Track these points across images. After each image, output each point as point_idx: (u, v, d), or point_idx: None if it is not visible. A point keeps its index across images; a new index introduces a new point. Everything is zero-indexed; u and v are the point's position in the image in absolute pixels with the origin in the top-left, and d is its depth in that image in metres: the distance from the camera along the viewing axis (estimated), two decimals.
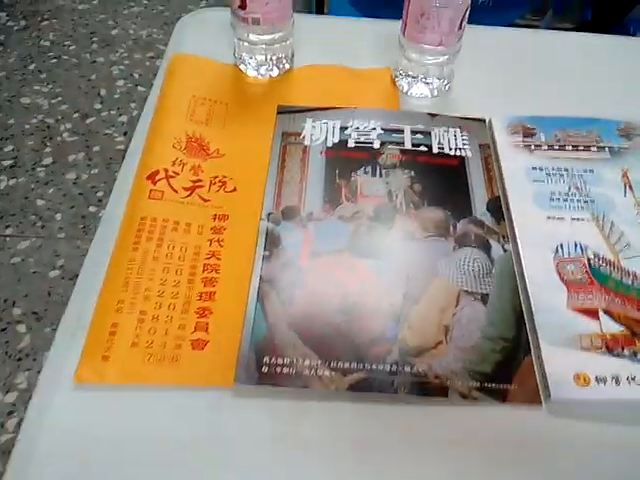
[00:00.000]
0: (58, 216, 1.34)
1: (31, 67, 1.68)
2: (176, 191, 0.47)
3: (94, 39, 1.79)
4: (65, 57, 1.72)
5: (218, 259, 0.44)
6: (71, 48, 1.75)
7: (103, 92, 1.63)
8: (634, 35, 1.00)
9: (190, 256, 0.44)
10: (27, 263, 1.25)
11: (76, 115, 1.56)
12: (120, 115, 1.57)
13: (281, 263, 0.44)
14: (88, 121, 1.55)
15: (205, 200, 0.48)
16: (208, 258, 0.44)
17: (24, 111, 1.56)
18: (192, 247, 0.44)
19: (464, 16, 0.52)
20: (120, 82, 1.66)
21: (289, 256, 0.44)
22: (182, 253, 0.44)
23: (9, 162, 1.44)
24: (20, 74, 1.66)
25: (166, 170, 0.49)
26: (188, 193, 0.48)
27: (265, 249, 0.44)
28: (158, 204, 0.46)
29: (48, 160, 1.45)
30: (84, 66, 1.70)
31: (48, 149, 1.48)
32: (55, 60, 1.71)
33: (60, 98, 1.60)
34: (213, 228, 0.46)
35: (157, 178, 0.48)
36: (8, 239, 1.29)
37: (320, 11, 1.11)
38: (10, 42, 1.75)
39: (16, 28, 1.80)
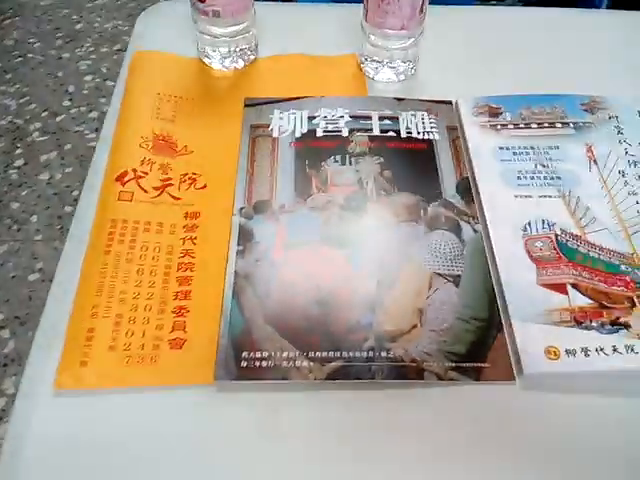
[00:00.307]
0: (34, 218, 1.32)
1: None
2: (146, 191, 0.47)
3: (59, 35, 1.75)
4: (30, 55, 1.69)
5: (192, 257, 0.44)
6: (36, 45, 1.72)
7: (71, 88, 1.60)
8: (600, 6, 1.01)
9: (164, 256, 0.44)
10: (6, 268, 1.23)
11: (45, 114, 1.54)
12: (90, 111, 1.55)
13: (255, 257, 0.44)
14: (58, 119, 1.53)
15: (176, 198, 0.47)
16: (182, 257, 0.44)
17: None
18: (165, 247, 0.44)
19: (424, 2, 0.52)
20: (88, 77, 1.64)
21: (263, 250, 0.44)
22: (155, 253, 0.44)
23: None
24: None
25: (135, 170, 0.48)
26: (158, 192, 0.48)
27: (239, 244, 0.45)
28: (128, 206, 0.46)
29: (20, 162, 1.43)
30: (50, 63, 1.67)
31: (19, 150, 1.45)
32: (20, 59, 1.67)
33: (28, 97, 1.57)
34: (185, 226, 0.46)
35: (126, 179, 0.48)
36: None
37: None
38: None
39: None
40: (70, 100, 1.57)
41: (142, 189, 0.47)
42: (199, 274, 0.43)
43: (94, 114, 1.54)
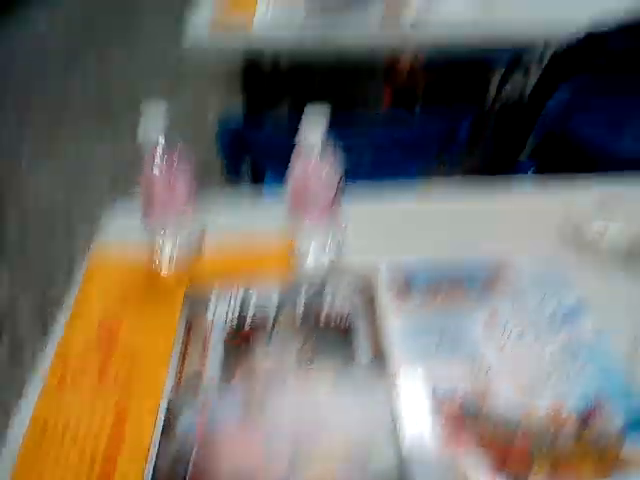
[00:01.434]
0: None
1: None
2: (83, 384, 0.52)
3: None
4: None
5: (120, 442, 0.48)
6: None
7: None
8: (526, 172, 1.10)
9: (91, 442, 0.47)
10: None
11: None
12: None
13: (179, 441, 0.47)
14: None
15: (110, 385, 0.52)
16: (108, 441, 0.48)
17: None
18: (93, 434, 0.48)
19: (337, 195, 0.61)
20: None
21: (186, 431, 0.48)
22: (84, 442, 0.48)
23: None
24: None
25: (76, 366, 0.54)
26: (96, 383, 0.52)
27: (163, 432, 0.48)
28: (65, 399, 0.51)
29: None
30: None
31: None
32: None
33: None
34: (116, 412, 0.50)
35: (66, 375, 0.53)
36: None
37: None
38: None
39: None
40: None
41: (79, 384, 0.52)
42: (124, 458, 0.46)
43: None
